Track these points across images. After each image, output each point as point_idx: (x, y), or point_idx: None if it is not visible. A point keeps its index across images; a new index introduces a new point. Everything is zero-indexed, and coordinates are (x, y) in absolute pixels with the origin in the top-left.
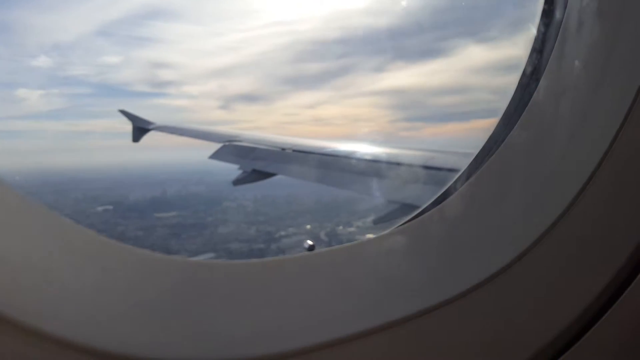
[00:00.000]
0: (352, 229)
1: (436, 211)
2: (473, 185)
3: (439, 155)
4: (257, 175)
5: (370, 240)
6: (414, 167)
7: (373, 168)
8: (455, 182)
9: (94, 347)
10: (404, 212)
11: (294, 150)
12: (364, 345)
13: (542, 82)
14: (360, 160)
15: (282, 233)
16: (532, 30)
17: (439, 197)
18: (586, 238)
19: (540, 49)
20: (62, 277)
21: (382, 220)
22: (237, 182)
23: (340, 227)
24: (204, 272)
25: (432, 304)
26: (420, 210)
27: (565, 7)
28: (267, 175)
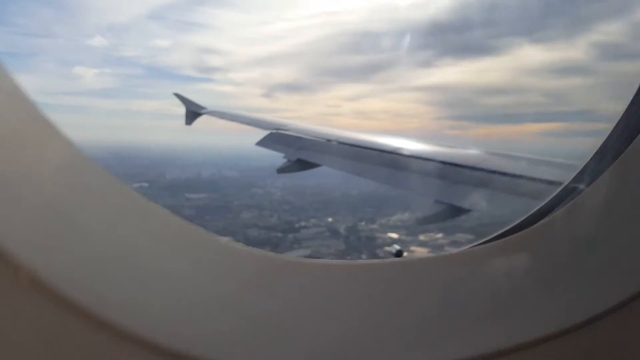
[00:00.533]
0: (374, 226)
1: (559, 218)
2: (600, 191)
3: (492, 158)
4: (301, 164)
5: (480, 249)
6: (466, 168)
7: (421, 166)
8: (576, 178)
9: (172, 348)
10: (450, 214)
11: (339, 143)
12: None
13: None
14: (408, 157)
15: (303, 224)
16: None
17: (557, 196)
18: None
19: None
20: (148, 264)
21: (427, 221)
22: (281, 170)
23: (363, 223)
24: (294, 270)
25: (548, 332)
26: (532, 212)
27: None
28: (311, 165)
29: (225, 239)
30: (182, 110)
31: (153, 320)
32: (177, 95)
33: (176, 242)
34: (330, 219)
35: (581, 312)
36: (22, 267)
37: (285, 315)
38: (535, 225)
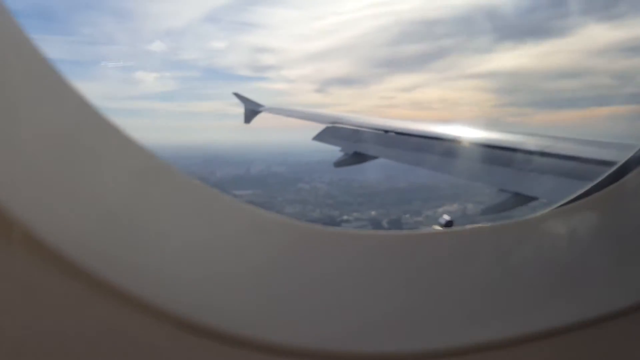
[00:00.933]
0: (419, 219)
1: (634, 178)
2: None
3: (556, 143)
4: (358, 157)
5: (539, 216)
6: (529, 153)
7: (481, 153)
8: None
9: (207, 324)
10: (517, 203)
11: (397, 133)
12: (517, 355)
13: None
14: (467, 144)
15: (345, 217)
16: None
17: (632, 158)
18: None
19: None
20: (174, 233)
21: (492, 211)
22: (339, 164)
23: (407, 215)
24: (336, 241)
25: (619, 307)
26: (603, 178)
27: None
28: (369, 158)
29: (262, 210)
30: (239, 109)
31: (190, 297)
32: (236, 95)
33: (212, 213)
34: (373, 212)
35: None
36: (78, 264)
37: (326, 288)
38: (602, 192)
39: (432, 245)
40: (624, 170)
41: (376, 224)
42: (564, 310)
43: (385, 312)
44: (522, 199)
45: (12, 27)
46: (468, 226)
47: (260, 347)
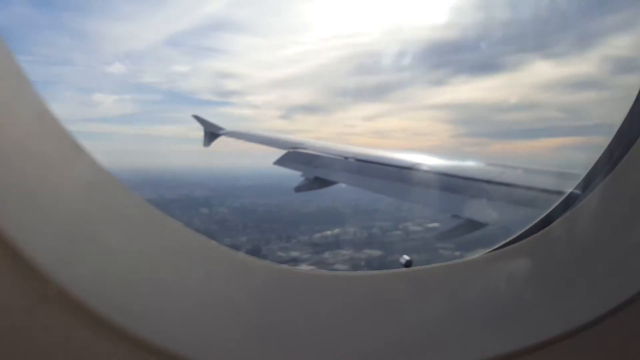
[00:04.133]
0: (285, 244)
1: (558, 227)
2: (598, 200)
3: (509, 171)
4: (318, 182)
5: (483, 257)
6: (482, 182)
7: (438, 181)
8: (572, 193)
9: (185, 356)
10: (469, 228)
11: (357, 160)
12: None
13: None
14: (425, 172)
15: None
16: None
17: (556, 208)
18: None
19: None
20: (161, 276)
21: (446, 237)
22: (299, 188)
23: (272, 242)
24: (302, 282)
25: (552, 335)
26: (535, 222)
27: None
28: (329, 183)
29: (238, 252)
30: (201, 133)
31: (169, 329)
32: (196, 117)
33: (192, 255)
34: (244, 238)
35: (582, 315)
36: (51, 279)
37: (293, 326)
38: (536, 235)
39: (392, 284)
40: (554, 214)
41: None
42: (507, 340)
43: (343, 348)
44: (474, 225)
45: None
46: (424, 266)
47: None
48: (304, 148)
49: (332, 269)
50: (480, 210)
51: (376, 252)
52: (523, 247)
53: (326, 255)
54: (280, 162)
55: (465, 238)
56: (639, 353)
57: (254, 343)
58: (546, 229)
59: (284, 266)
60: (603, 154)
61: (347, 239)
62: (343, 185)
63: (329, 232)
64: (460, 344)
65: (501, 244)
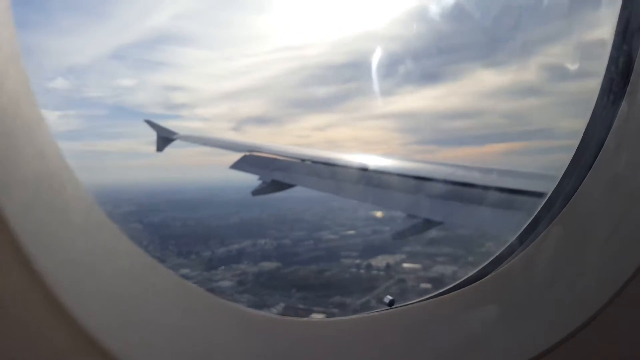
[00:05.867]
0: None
1: (515, 265)
2: (550, 240)
3: (458, 171)
4: (276, 185)
5: (454, 295)
6: (435, 181)
7: (394, 181)
8: (526, 229)
9: None
10: (425, 227)
11: (314, 162)
12: None
13: (610, 139)
14: (381, 173)
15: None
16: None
17: (510, 245)
18: None
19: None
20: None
21: (402, 235)
22: (257, 192)
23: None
24: (284, 328)
25: None
26: (494, 257)
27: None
28: (286, 186)
29: (216, 297)
30: (152, 147)
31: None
32: (148, 122)
33: (172, 297)
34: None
35: (539, 343)
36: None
37: None
38: (495, 273)
39: (376, 326)
40: (502, 255)
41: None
42: None
43: None
44: (430, 224)
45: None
46: (407, 305)
47: None
48: (260, 151)
49: (213, 286)
50: (434, 209)
51: (273, 265)
52: (484, 285)
53: (218, 271)
54: (236, 166)
55: (421, 236)
56: None
57: None
58: (503, 268)
59: (267, 313)
60: (554, 190)
61: (252, 251)
62: (301, 187)
63: (236, 246)
64: None
65: (463, 280)
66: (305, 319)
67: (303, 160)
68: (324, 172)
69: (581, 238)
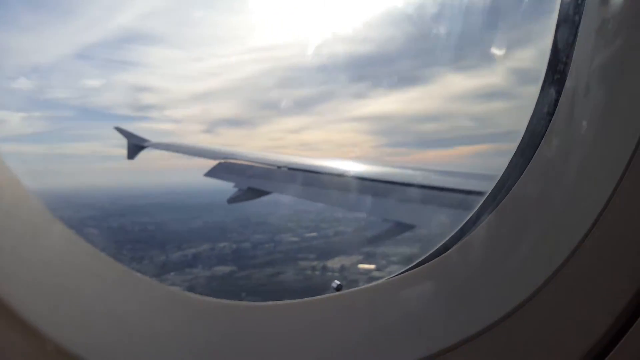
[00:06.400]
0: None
1: (456, 252)
2: (488, 229)
3: (431, 175)
4: (252, 193)
5: (397, 279)
6: (408, 185)
7: (367, 186)
8: (468, 221)
9: None
10: (399, 231)
11: (289, 169)
12: None
13: (548, 136)
14: (355, 179)
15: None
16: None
17: (454, 235)
18: (592, 277)
19: (545, 108)
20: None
21: (377, 239)
22: (232, 200)
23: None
24: (234, 313)
25: (453, 342)
26: (439, 247)
27: (569, 73)
28: (262, 193)
29: (174, 288)
30: (122, 150)
31: (116, 355)
32: (118, 129)
33: (130, 291)
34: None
35: (477, 323)
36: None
37: (225, 355)
38: (437, 259)
39: (322, 309)
40: (449, 243)
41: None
42: (417, 348)
43: None
44: (403, 227)
45: None
46: (349, 290)
47: None
48: (235, 158)
49: None
50: (408, 212)
51: (227, 269)
52: (428, 269)
53: (170, 276)
54: (211, 173)
55: (395, 239)
56: (529, 352)
57: None
58: (445, 254)
59: (215, 299)
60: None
61: (209, 255)
62: (277, 194)
63: (193, 250)
64: (382, 356)
65: (410, 266)
66: (251, 302)
67: (279, 167)
68: (299, 179)
69: (518, 225)
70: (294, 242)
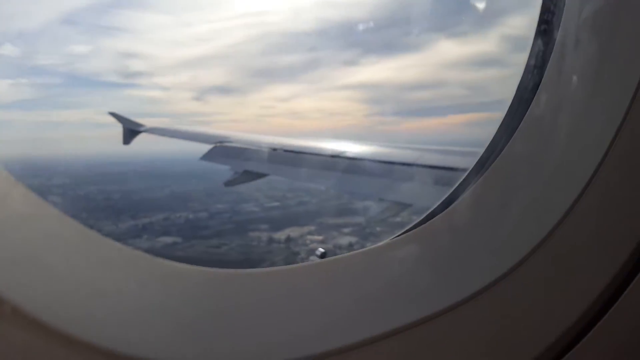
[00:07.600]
0: None
1: (443, 217)
2: (476, 193)
3: (425, 154)
4: (248, 175)
5: (381, 246)
6: (405, 165)
7: (362, 167)
8: (458, 187)
9: (115, 349)
10: (398, 210)
11: (285, 151)
12: (373, 352)
13: (539, 95)
14: (352, 159)
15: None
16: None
17: (443, 202)
18: (585, 241)
19: (536, 64)
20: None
21: (375, 219)
22: (229, 183)
23: None
24: (217, 281)
25: (439, 309)
26: (427, 213)
27: (560, 25)
28: (258, 175)
29: (159, 259)
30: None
31: (106, 330)
32: (113, 114)
33: (116, 263)
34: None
35: (464, 289)
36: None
37: (213, 323)
38: (423, 225)
39: (303, 277)
40: (436, 211)
41: None
42: (403, 314)
43: (259, 340)
44: (402, 207)
45: None
46: (334, 257)
47: None
48: (230, 142)
49: None
50: (404, 192)
51: (170, 240)
52: (414, 236)
53: None
54: (207, 157)
55: (394, 219)
56: (519, 318)
57: (184, 337)
58: (431, 220)
59: (201, 267)
60: (489, 144)
61: (160, 225)
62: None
63: (146, 220)
64: (354, 326)
65: (398, 234)
66: (232, 270)
67: (274, 149)
68: (295, 161)
69: (508, 188)
70: (253, 212)
